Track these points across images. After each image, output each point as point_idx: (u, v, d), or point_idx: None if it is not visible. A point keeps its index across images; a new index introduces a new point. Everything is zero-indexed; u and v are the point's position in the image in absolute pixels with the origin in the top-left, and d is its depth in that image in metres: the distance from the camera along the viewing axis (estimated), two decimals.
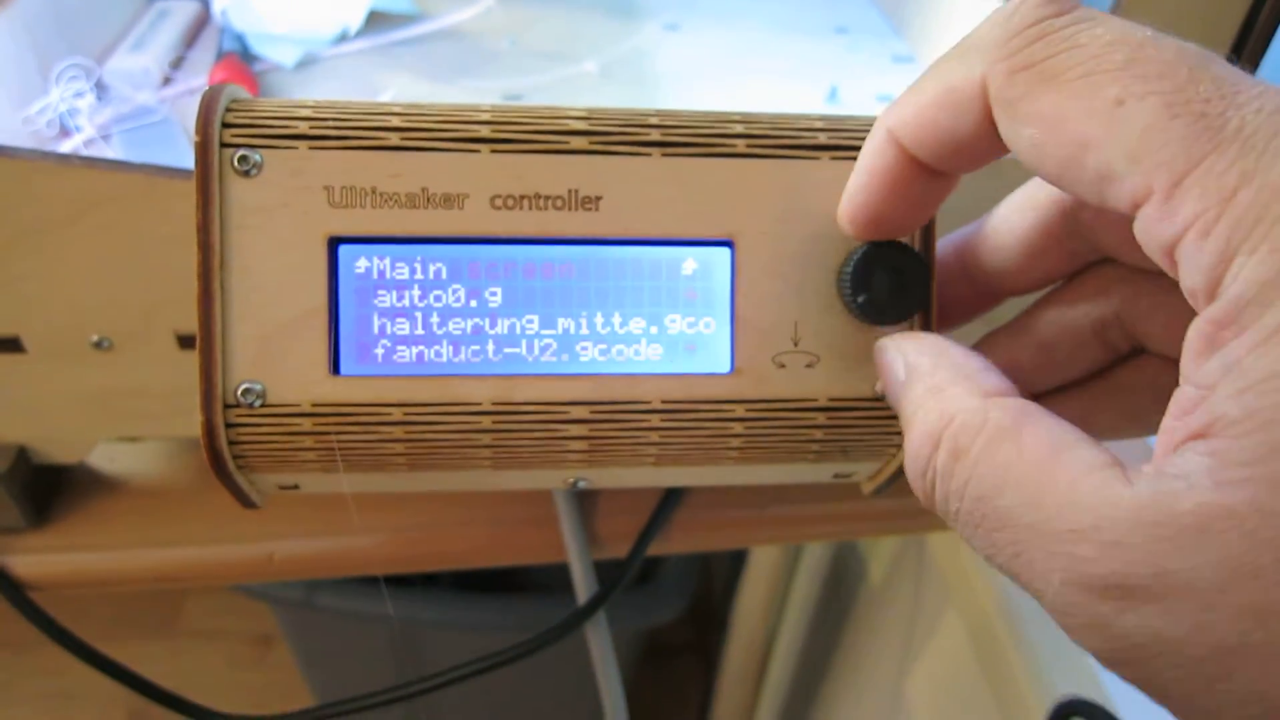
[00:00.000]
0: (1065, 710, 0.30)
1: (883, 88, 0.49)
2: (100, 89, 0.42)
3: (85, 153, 0.39)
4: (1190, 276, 0.15)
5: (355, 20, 0.48)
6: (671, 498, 0.38)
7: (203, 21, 0.49)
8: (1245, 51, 0.34)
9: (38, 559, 0.36)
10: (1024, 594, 0.46)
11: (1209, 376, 0.15)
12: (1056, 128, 0.16)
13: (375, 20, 0.50)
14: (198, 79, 0.45)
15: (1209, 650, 0.14)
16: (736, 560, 0.81)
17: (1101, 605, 0.15)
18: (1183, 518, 0.14)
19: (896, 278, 0.23)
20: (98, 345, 0.32)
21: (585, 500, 0.39)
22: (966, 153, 0.19)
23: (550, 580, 0.81)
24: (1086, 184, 0.16)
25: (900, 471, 0.26)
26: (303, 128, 0.23)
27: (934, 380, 0.20)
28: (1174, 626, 0.14)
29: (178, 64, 0.46)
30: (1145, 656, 0.15)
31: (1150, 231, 0.16)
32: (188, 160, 0.23)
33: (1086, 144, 0.16)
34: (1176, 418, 0.15)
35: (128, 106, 0.42)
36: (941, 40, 0.50)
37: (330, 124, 0.23)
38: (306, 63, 0.47)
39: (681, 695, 1.16)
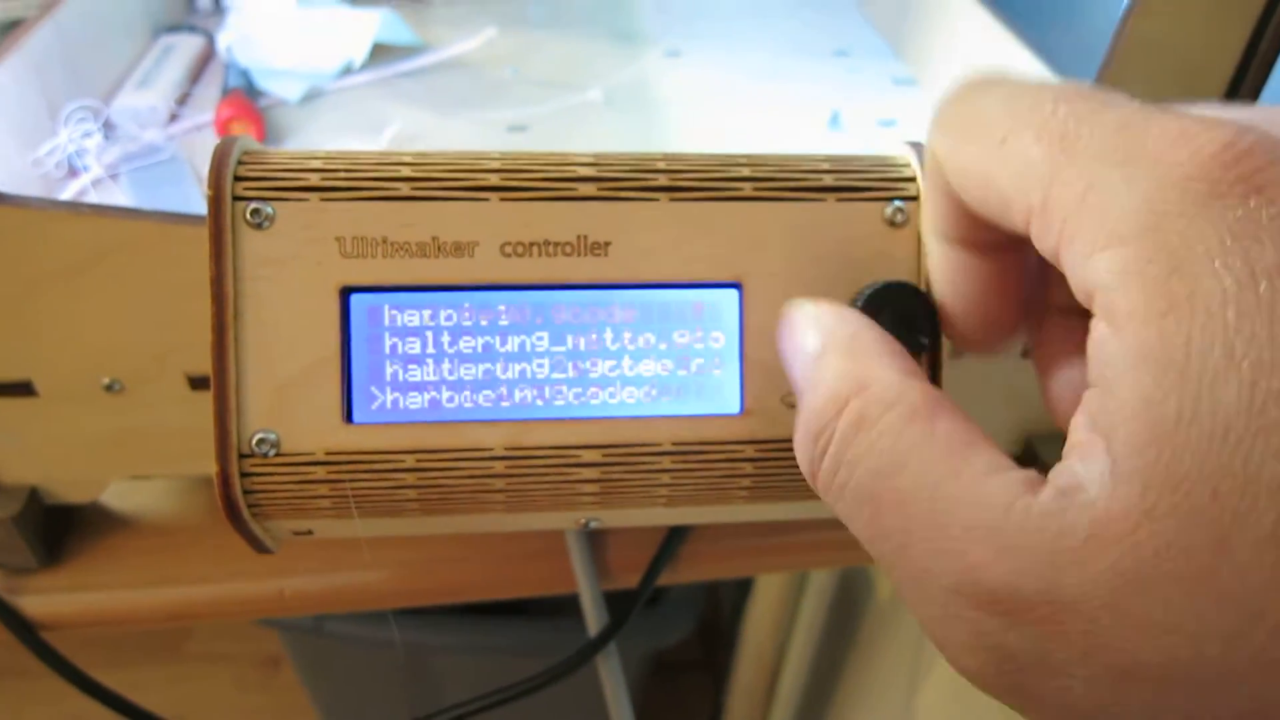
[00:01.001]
0: None
1: (884, 111, 0.49)
2: (107, 128, 0.43)
3: (94, 192, 0.39)
4: (1072, 280, 0.16)
5: (359, 54, 0.49)
6: (679, 530, 0.38)
7: (207, 57, 0.50)
8: (1248, 76, 0.34)
9: (49, 599, 0.37)
10: None
11: (1099, 378, 0.15)
12: (968, 174, 0.18)
13: (379, 53, 0.50)
14: (204, 115, 0.45)
15: (1101, 672, 0.13)
16: (744, 580, 0.81)
17: (986, 619, 0.14)
18: (1079, 532, 0.14)
19: (904, 318, 0.23)
20: (109, 388, 0.32)
21: (594, 534, 0.39)
22: (973, 223, 0.20)
23: (558, 603, 0.81)
24: (996, 213, 0.18)
25: None
26: (314, 179, 0.23)
27: (851, 349, 0.19)
28: (1065, 645, 0.14)
29: (183, 100, 0.46)
30: (1031, 680, 0.14)
31: (1041, 246, 0.17)
32: (196, 199, 0.23)
33: (988, 180, 0.18)
34: (1079, 419, 0.15)
35: (135, 145, 0.42)
36: (940, 61, 0.50)
37: (341, 175, 0.23)
38: (311, 96, 0.48)
39: (690, 711, 1.15)
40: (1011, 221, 0.17)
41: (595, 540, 0.38)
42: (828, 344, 0.20)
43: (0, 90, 0.37)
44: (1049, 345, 0.22)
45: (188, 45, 0.49)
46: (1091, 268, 0.15)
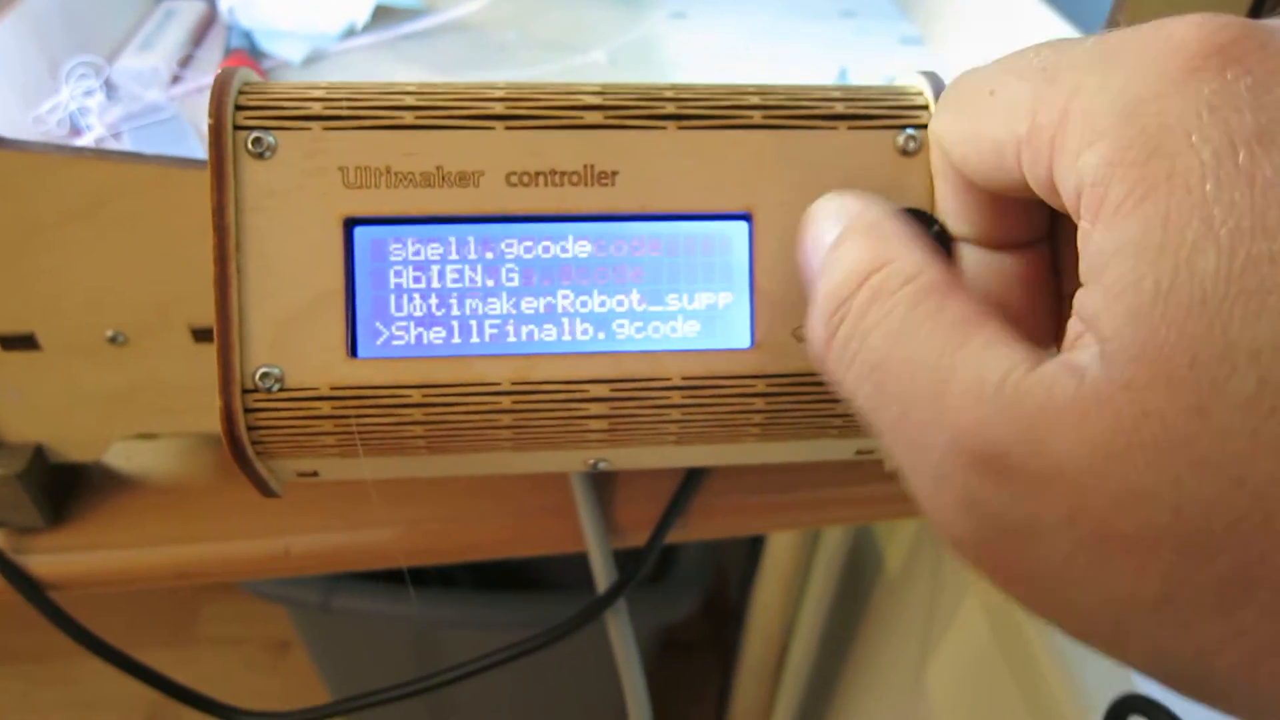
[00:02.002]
0: (1123, 708, 0.29)
1: (892, 70, 0.49)
2: (109, 88, 0.42)
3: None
4: (1066, 198, 0.16)
5: (362, 15, 0.48)
6: (690, 483, 0.38)
7: (210, 20, 0.49)
8: None
9: (56, 558, 0.36)
10: None
11: (1087, 273, 0.15)
12: (959, 132, 0.20)
13: (382, 15, 0.49)
14: (206, 77, 0.45)
15: (1084, 537, 0.14)
16: (751, 554, 0.81)
17: (978, 481, 0.15)
18: (1065, 400, 0.14)
19: None
20: (113, 340, 0.32)
21: (603, 488, 0.38)
22: (999, 215, 0.21)
23: (569, 578, 0.81)
24: (996, 172, 0.18)
25: None
26: (316, 108, 0.23)
27: (875, 231, 0.19)
28: (1048, 510, 0.14)
29: (186, 62, 0.46)
30: (1014, 547, 0.15)
31: (1033, 178, 0.17)
32: (199, 155, 0.23)
33: (980, 136, 0.18)
34: (1072, 321, 0.16)
35: (137, 105, 0.42)
36: (948, 21, 0.50)
37: (344, 104, 0.23)
38: (314, 58, 0.47)
39: (698, 690, 1.15)
40: (1008, 170, 0.18)
41: (604, 496, 0.38)
42: (851, 227, 0.19)
43: (0, 47, 0.37)
44: None
45: (190, 8, 0.49)
46: (1076, 173, 0.15)
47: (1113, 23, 0.33)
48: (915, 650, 0.68)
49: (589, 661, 0.77)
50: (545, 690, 0.87)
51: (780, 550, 0.76)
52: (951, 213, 0.22)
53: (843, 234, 0.20)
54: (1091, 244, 0.15)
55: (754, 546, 0.80)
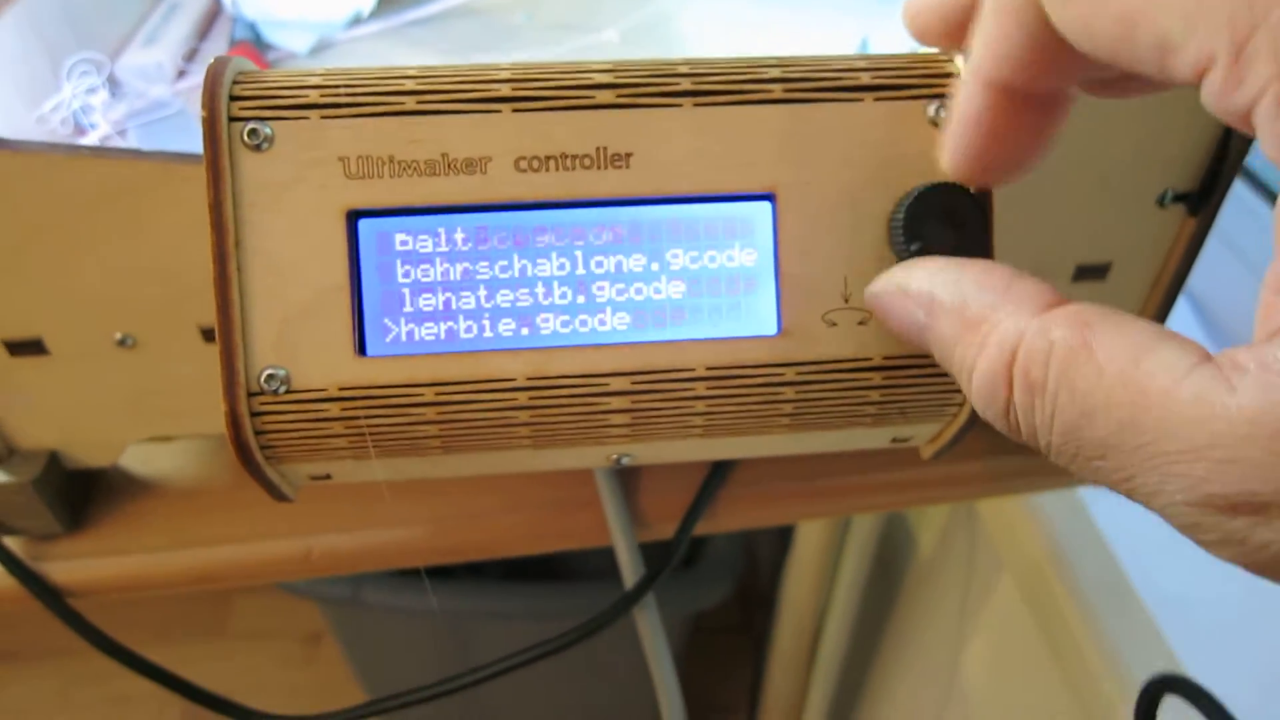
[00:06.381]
0: (1157, 688, 0.28)
1: None
2: (113, 85, 0.41)
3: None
4: (1272, 146, 0.14)
5: (367, 2, 0.47)
6: (717, 474, 0.37)
7: (214, 12, 0.49)
8: None
9: (75, 564, 0.36)
10: (1085, 557, 0.44)
11: None
12: (1103, 3, 0.15)
13: (387, 1, 0.48)
14: None
15: None
16: (782, 539, 0.79)
17: (1232, 521, 0.14)
18: None
19: (952, 223, 0.22)
20: (121, 343, 0.31)
21: (628, 481, 0.37)
22: (1050, 66, 0.18)
23: (596, 567, 0.80)
24: (1144, 60, 0.15)
25: (960, 434, 0.25)
26: (313, 96, 0.21)
27: (970, 310, 0.18)
28: None
29: (191, 56, 0.45)
30: None
31: (1219, 101, 0.14)
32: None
33: (1134, 17, 0.15)
34: (1276, 292, 0.14)
35: (142, 101, 0.41)
36: None
37: (342, 91, 0.22)
38: (320, 48, 0.46)
39: (730, 675, 1.15)
40: (1168, 71, 0.15)
41: (629, 488, 0.37)
42: (933, 312, 0.19)
43: (1, 46, 0.36)
44: None
45: (194, 1, 0.48)
46: None
47: None
48: (951, 631, 0.66)
49: (618, 645, 0.76)
50: (574, 675, 0.86)
51: (811, 534, 0.75)
52: (994, 56, 0.18)
53: (928, 323, 0.19)
54: None
55: (785, 531, 0.79)
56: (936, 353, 0.19)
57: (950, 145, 0.21)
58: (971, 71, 0.19)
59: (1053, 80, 0.18)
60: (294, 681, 1.19)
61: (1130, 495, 0.16)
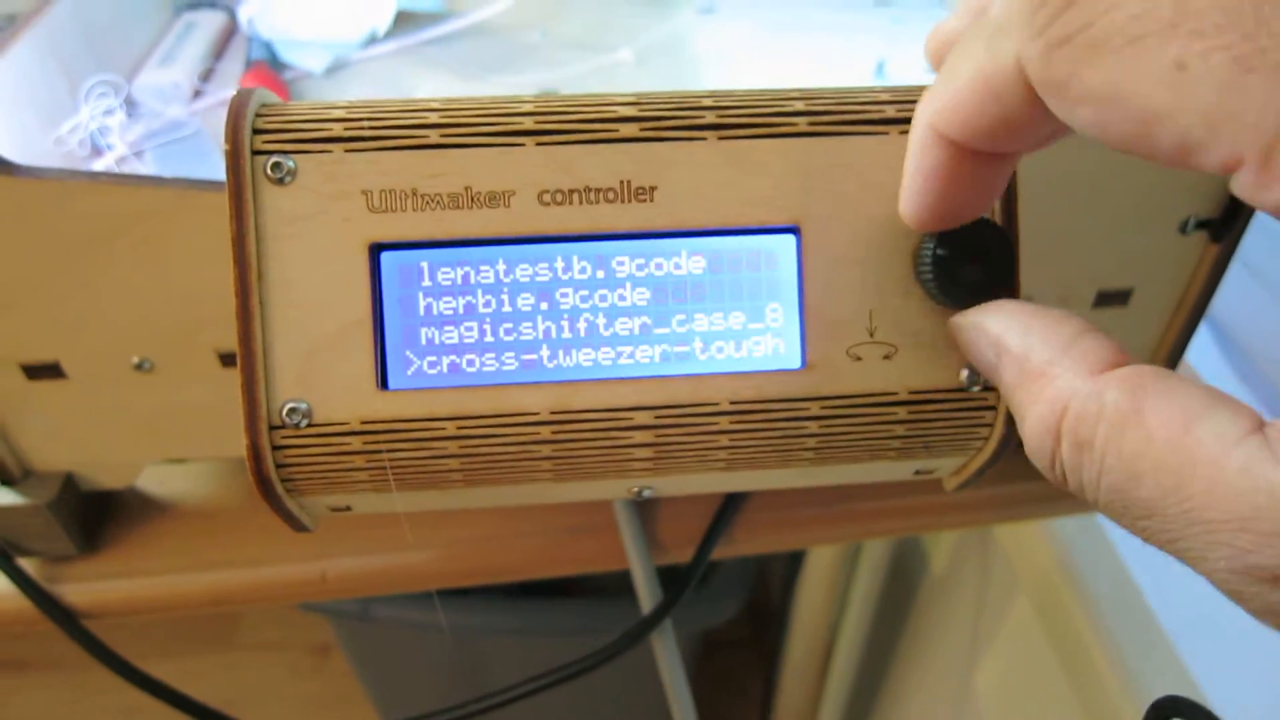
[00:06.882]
0: (1162, 711, 0.28)
1: None
2: (130, 105, 0.42)
3: (118, 171, 0.38)
4: None
5: (383, 22, 0.47)
6: (734, 500, 0.37)
7: (230, 32, 0.49)
8: None
9: (90, 586, 0.36)
10: (1100, 575, 0.43)
11: None
12: (1115, 105, 0.14)
13: (403, 20, 0.48)
14: (227, 90, 0.44)
15: None
16: (794, 554, 0.79)
17: (1275, 593, 0.14)
18: None
19: (978, 256, 0.21)
20: (139, 367, 0.31)
21: (645, 506, 0.37)
22: (1024, 135, 0.17)
23: (607, 582, 0.80)
24: (1164, 155, 0.14)
25: (985, 467, 0.25)
26: (337, 130, 0.21)
27: (1031, 361, 0.18)
28: None
29: (207, 76, 0.45)
30: None
31: (1253, 196, 0.14)
32: (222, 173, 0.22)
33: (1153, 118, 0.14)
34: None
35: (159, 122, 0.41)
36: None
37: (365, 124, 0.21)
38: (336, 67, 0.46)
39: (740, 690, 1.14)
40: (1192, 165, 0.14)
41: (645, 513, 0.37)
42: (1001, 356, 0.19)
43: (19, 68, 0.36)
44: None
45: (210, 21, 0.48)
46: None
47: None
48: (964, 648, 0.66)
49: (630, 659, 0.76)
50: (585, 690, 0.86)
51: (824, 550, 0.75)
52: (958, 115, 0.18)
53: (999, 364, 0.19)
54: None
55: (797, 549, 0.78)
56: (1001, 392, 0.19)
57: (907, 198, 0.20)
58: (929, 124, 0.18)
59: (1019, 147, 0.18)
60: (303, 692, 1.19)
61: (1176, 556, 0.16)
